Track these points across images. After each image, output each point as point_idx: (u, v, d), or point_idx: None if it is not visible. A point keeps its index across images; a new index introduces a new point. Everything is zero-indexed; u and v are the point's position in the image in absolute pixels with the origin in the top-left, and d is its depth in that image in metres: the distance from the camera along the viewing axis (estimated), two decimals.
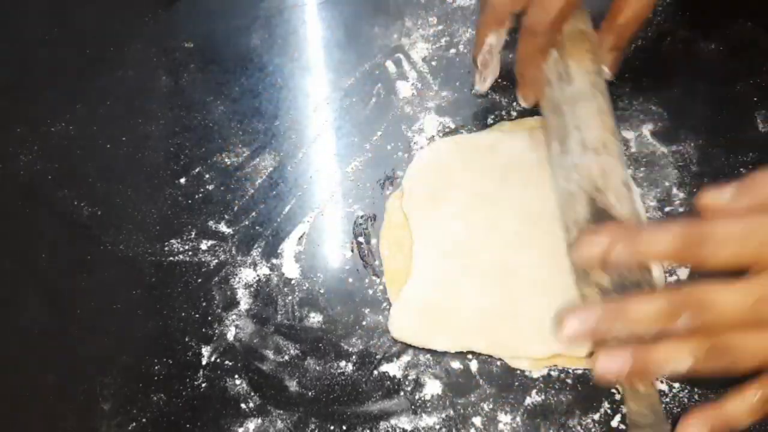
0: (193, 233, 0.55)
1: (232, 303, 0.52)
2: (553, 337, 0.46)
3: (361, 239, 0.54)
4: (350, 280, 0.52)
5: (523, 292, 0.50)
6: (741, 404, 0.38)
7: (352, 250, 0.54)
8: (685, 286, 0.37)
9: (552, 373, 0.48)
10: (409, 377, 0.48)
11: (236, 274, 0.53)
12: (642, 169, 0.55)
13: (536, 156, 0.54)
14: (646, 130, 0.56)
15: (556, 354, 0.48)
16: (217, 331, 0.51)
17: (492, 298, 0.50)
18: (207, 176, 0.58)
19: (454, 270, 0.51)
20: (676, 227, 0.36)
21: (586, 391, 0.47)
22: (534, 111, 0.57)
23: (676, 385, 0.47)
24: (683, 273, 0.50)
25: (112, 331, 0.52)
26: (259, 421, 0.47)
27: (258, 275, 0.53)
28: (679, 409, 0.46)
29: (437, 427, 0.47)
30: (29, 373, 0.51)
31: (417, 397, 0.48)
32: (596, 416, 0.46)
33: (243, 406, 0.48)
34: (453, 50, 0.62)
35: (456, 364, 0.48)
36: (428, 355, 0.49)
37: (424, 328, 0.50)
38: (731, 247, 0.35)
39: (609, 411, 0.46)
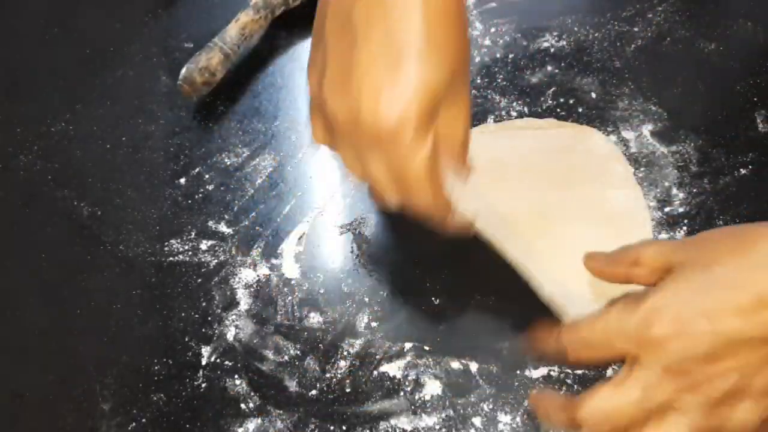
0: (193, 233, 0.55)
1: (232, 303, 0.52)
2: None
3: (360, 239, 0.54)
4: (350, 280, 0.52)
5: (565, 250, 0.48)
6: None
7: (352, 251, 0.54)
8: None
9: (552, 373, 0.48)
10: (409, 377, 0.48)
11: (236, 274, 0.53)
12: (642, 169, 0.55)
13: (516, 159, 0.54)
14: (646, 130, 0.56)
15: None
16: (217, 331, 0.51)
17: (546, 229, 0.50)
18: (207, 176, 0.58)
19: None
20: None
21: (586, 391, 0.47)
22: (522, 113, 0.57)
23: None
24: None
25: (112, 331, 0.52)
26: (259, 421, 0.47)
27: (258, 275, 0.53)
28: None
29: (437, 427, 0.47)
30: (29, 373, 0.51)
31: (417, 397, 0.48)
32: None
33: (243, 406, 0.48)
34: None
35: (456, 364, 0.48)
36: (428, 356, 0.49)
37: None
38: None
39: None
